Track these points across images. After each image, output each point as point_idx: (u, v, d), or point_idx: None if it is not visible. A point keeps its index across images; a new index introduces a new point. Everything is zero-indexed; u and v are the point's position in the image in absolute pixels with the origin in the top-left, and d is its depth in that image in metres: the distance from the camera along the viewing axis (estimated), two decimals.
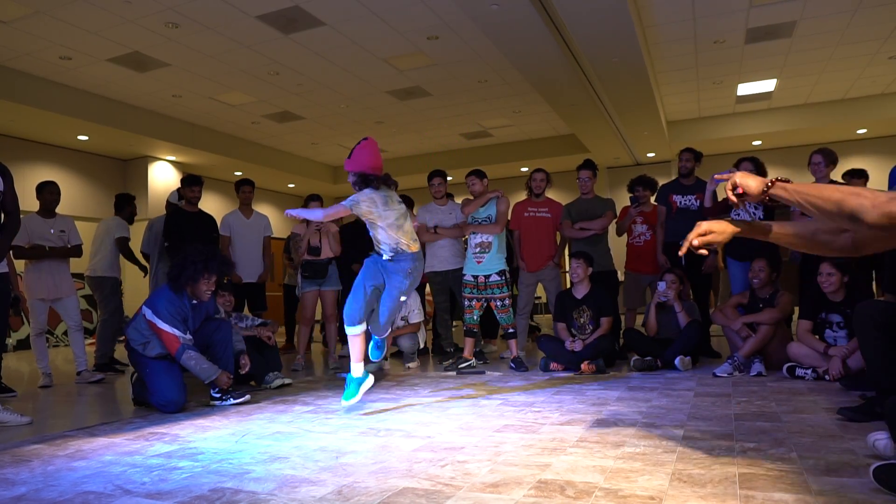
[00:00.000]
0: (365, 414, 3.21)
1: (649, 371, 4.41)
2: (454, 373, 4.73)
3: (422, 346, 5.64)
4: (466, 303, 4.97)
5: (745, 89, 8.97)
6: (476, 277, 4.93)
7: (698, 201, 5.21)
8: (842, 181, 5.35)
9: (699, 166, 5.45)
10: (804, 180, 5.36)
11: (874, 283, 4.77)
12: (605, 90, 7.60)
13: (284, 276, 7.24)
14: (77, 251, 5.15)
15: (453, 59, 7.39)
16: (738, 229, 1.88)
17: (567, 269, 5.36)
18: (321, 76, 7.82)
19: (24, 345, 8.45)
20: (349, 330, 3.27)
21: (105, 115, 8.29)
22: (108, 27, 6.22)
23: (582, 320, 4.84)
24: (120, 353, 5.89)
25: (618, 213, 5.59)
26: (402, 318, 5.40)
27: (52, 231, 5.01)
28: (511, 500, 1.78)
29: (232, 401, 3.63)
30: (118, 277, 5.91)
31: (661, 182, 5.97)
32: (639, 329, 4.98)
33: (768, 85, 8.79)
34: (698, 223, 1.87)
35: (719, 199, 5.11)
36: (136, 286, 9.01)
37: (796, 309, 4.38)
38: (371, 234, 3.33)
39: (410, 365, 5.28)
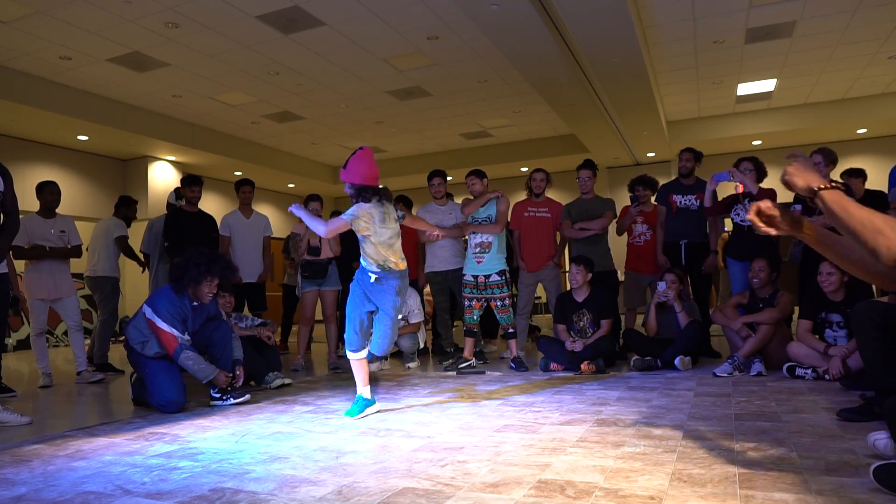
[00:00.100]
0: (365, 414, 3.21)
1: (649, 371, 4.42)
2: (454, 373, 4.73)
3: (422, 346, 5.64)
4: (466, 303, 4.97)
5: (744, 89, 8.97)
6: (476, 277, 4.93)
7: (698, 201, 5.21)
8: (841, 181, 5.35)
9: (699, 166, 5.46)
10: None
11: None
12: (605, 90, 7.60)
13: (284, 276, 7.24)
14: (77, 252, 5.15)
15: (453, 59, 7.39)
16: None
17: (567, 269, 5.36)
18: (321, 76, 7.82)
19: (24, 345, 8.45)
20: (351, 356, 3.27)
21: (105, 115, 8.29)
22: (108, 27, 6.22)
23: (581, 323, 4.84)
24: (114, 356, 5.89)
25: (618, 213, 5.60)
26: (402, 319, 5.41)
27: (52, 231, 5.01)
28: (511, 499, 1.78)
29: (232, 401, 3.63)
30: (118, 277, 5.91)
31: (662, 182, 5.98)
32: (639, 329, 4.98)
33: (768, 85, 8.79)
34: (753, 204, 1.75)
35: (720, 198, 5.13)
36: (136, 286, 9.03)
37: (796, 309, 4.38)
38: (361, 244, 3.27)
39: (410, 365, 5.29)
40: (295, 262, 5.82)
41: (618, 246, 5.76)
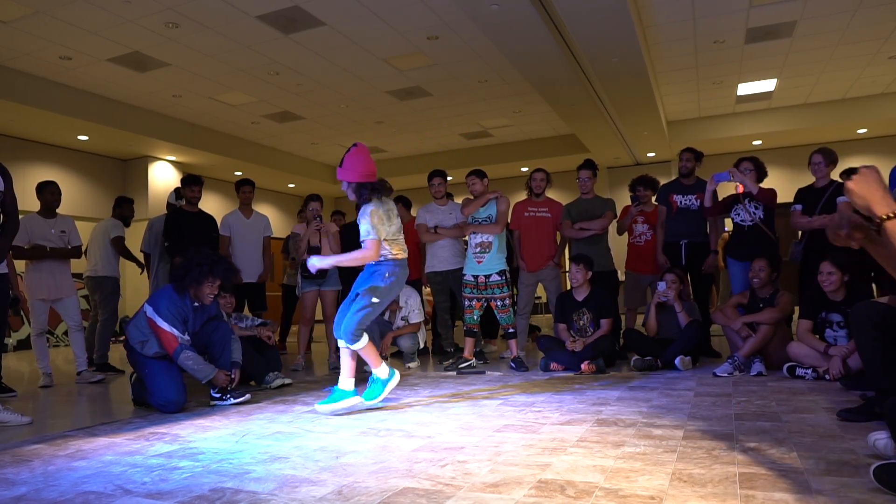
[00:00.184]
0: (365, 414, 3.21)
1: (649, 371, 4.42)
2: (454, 373, 4.73)
3: (422, 346, 5.64)
4: (466, 303, 4.97)
5: (745, 89, 8.97)
6: (476, 277, 4.93)
7: (699, 201, 5.21)
8: (840, 180, 5.35)
9: (699, 166, 5.45)
10: (804, 180, 5.33)
11: (873, 283, 4.77)
12: (605, 90, 7.60)
13: (284, 275, 7.24)
14: (77, 252, 5.15)
15: (453, 59, 7.39)
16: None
17: (567, 269, 5.36)
18: (321, 76, 7.82)
19: (24, 345, 8.45)
20: (357, 346, 3.30)
21: (105, 115, 8.29)
22: (108, 27, 6.23)
23: (582, 323, 4.84)
24: (114, 356, 5.89)
25: (618, 213, 5.60)
26: (402, 319, 5.41)
27: (52, 231, 5.01)
28: (511, 499, 1.78)
29: (232, 401, 3.63)
30: (118, 278, 5.91)
31: (662, 182, 5.98)
32: (639, 329, 4.98)
33: (768, 85, 8.79)
34: (846, 183, 1.60)
35: (720, 198, 5.13)
36: (136, 286, 9.03)
37: (796, 309, 4.38)
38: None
39: (410, 365, 5.29)
40: (295, 262, 5.81)
41: (618, 246, 5.76)
